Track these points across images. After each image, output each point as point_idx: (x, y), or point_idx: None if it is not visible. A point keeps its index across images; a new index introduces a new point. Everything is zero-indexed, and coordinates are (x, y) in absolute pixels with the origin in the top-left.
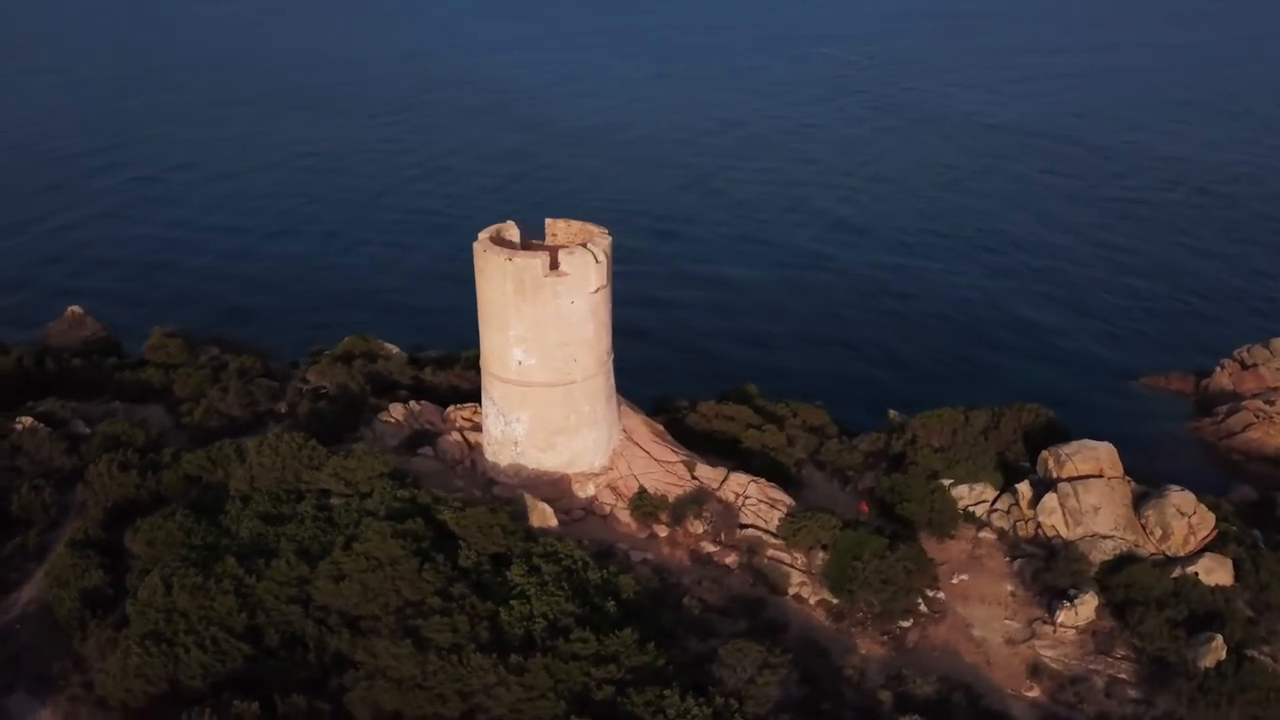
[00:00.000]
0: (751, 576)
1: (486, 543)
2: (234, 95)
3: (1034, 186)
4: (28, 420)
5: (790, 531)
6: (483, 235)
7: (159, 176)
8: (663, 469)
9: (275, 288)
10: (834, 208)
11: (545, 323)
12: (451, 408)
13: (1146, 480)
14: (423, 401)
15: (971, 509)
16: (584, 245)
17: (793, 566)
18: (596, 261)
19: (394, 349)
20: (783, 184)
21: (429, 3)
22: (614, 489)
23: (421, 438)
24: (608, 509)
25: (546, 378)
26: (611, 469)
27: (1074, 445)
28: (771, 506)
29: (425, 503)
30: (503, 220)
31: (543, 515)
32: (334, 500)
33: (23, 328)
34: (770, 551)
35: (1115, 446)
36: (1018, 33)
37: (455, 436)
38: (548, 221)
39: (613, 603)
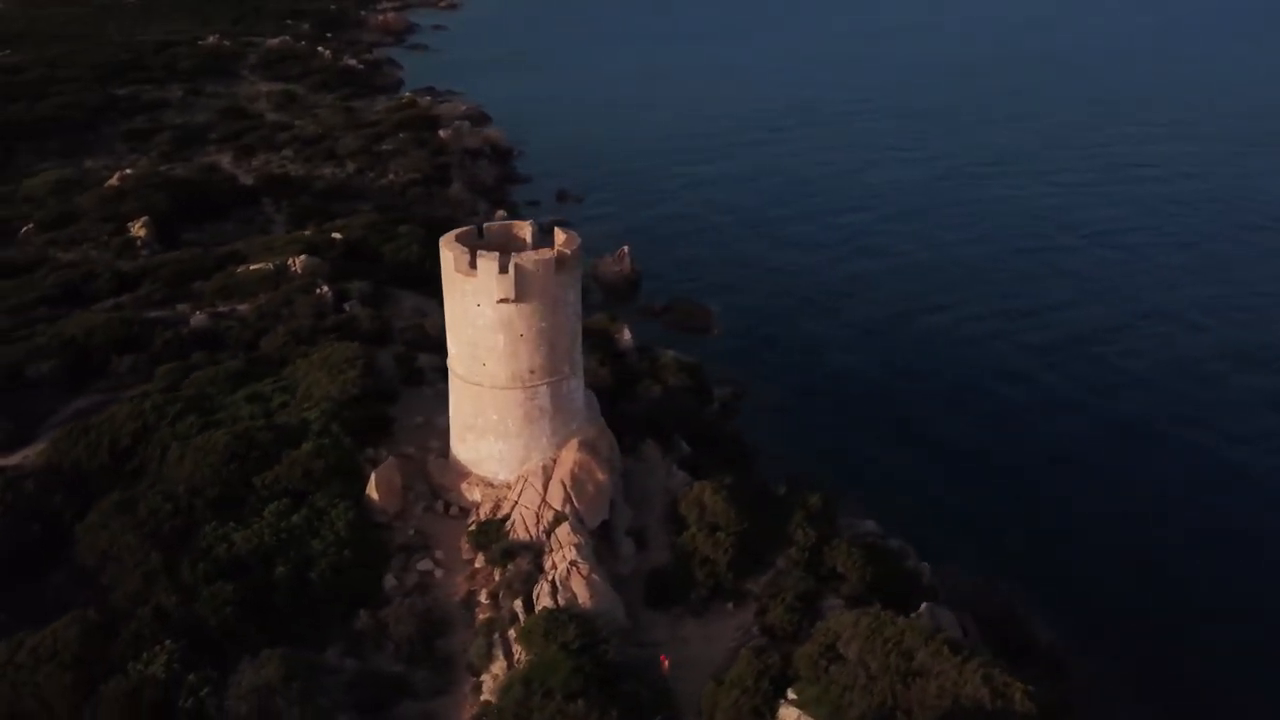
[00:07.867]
0: (472, 645)
1: (293, 476)
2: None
3: None
4: (325, 287)
5: (529, 626)
6: (485, 225)
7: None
8: (538, 510)
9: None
10: None
11: (457, 317)
12: None
13: None
14: None
15: None
16: (504, 252)
17: (509, 659)
18: (500, 272)
19: (626, 336)
20: None
21: None
22: (496, 506)
23: None
24: (472, 523)
25: (462, 371)
26: (509, 488)
27: None
28: (553, 593)
29: (315, 430)
30: None
31: (372, 487)
32: (299, 402)
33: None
34: (511, 633)
35: None
36: None
37: None
38: (556, 230)
39: (284, 569)
